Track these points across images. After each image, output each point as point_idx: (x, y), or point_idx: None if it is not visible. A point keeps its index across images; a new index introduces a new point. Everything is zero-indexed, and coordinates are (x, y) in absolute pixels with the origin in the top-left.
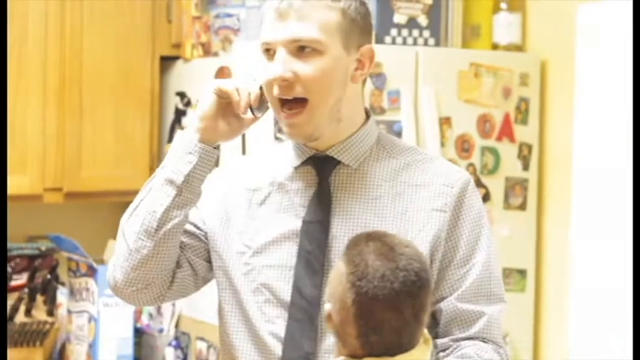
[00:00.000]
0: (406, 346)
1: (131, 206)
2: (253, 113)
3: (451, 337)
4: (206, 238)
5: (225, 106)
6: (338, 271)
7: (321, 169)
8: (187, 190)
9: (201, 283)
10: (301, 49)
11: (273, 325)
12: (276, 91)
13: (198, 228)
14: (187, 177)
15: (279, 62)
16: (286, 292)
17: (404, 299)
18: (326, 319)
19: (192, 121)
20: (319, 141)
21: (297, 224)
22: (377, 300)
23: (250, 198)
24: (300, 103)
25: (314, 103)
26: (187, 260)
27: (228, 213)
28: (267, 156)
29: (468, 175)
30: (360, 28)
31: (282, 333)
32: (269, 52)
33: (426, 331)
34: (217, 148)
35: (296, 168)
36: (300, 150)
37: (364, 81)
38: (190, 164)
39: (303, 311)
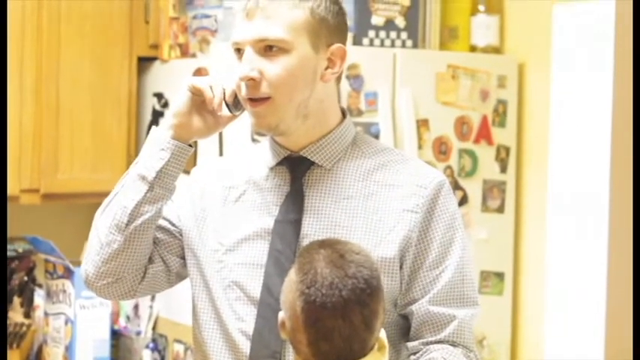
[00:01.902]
0: (358, 354)
1: (105, 201)
2: (230, 111)
3: (421, 340)
4: (180, 235)
5: (200, 103)
6: (289, 278)
7: (295, 169)
8: (159, 186)
9: (175, 279)
10: (268, 48)
11: (243, 322)
12: (244, 90)
13: (172, 224)
14: (159, 173)
15: (246, 62)
16: (257, 291)
17: (352, 307)
18: (280, 327)
19: (166, 117)
20: (292, 140)
21: (269, 223)
22: (325, 308)
23: (226, 195)
24: (265, 100)
25: (278, 101)
26: (160, 256)
27: (205, 210)
28: (245, 156)
29: (443, 177)
30: (330, 27)
31: (251, 331)
32: (239, 51)
33: (382, 336)
34: (192, 145)
35: (271, 169)
36: (276, 151)
37: (338, 81)
38: (162, 160)
39: (272, 310)
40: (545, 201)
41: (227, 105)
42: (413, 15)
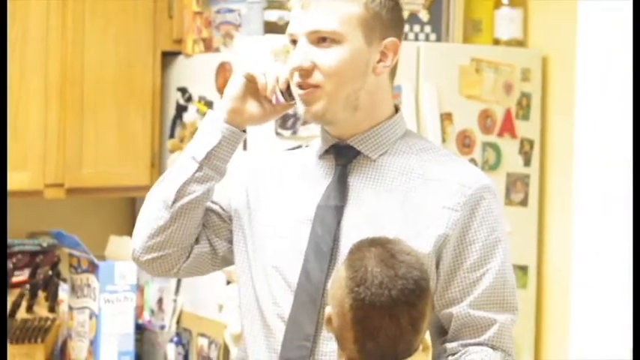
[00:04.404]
0: (403, 354)
1: (160, 178)
2: (285, 99)
3: (461, 341)
4: (230, 220)
5: (255, 89)
6: (339, 275)
7: (341, 157)
8: (207, 167)
9: (221, 263)
10: (322, 40)
11: (279, 307)
12: (296, 78)
13: (223, 209)
14: (208, 154)
15: (299, 52)
16: (295, 276)
17: (401, 307)
18: (326, 322)
19: (222, 100)
20: (341, 129)
21: (313, 209)
22: (374, 307)
23: (277, 183)
24: (315, 88)
25: (328, 90)
26: (207, 238)
27: (256, 196)
28: (301, 146)
29: (489, 181)
30: (384, 22)
31: (287, 315)
32: (294, 42)
33: (427, 337)
34: (245, 131)
35: (320, 157)
36: (325, 139)
37: (392, 75)
38: (213, 143)
39: (308, 294)
40: (568, 194)
41: (281, 92)
42: (436, 8)
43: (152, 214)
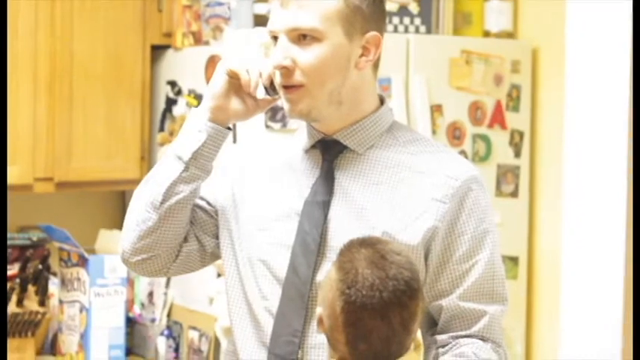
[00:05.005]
0: (395, 355)
1: (144, 179)
2: (269, 93)
3: (451, 334)
4: (216, 215)
5: (238, 86)
6: (329, 276)
7: (327, 152)
8: (194, 166)
9: (210, 258)
10: (302, 37)
11: (267, 301)
12: (278, 77)
13: (209, 204)
14: (194, 154)
15: (279, 50)
16: (282, 270)
17: (392, 309)
18: (317, 323)
19: (204, 99)
20: (325, 124)
21: (300, 204)
22: (365, 309)
23: (263, 176)
24: (298, 88)
25: (311, 88)
26: (195, 235)
27: (242, 191)
28: (286, 141)
29: (476, 172)
30: (365, 16)
31: (275, 309)
32: (275, 38)
33: (419, 336)
34: (230, 128)
35: (306, 151)
36: (311, 134)
37: (375, 67)
38: (198, 142)
39: (295, 289)
40: (558, 185)
41: (265, 88)
42: (426, 1)
43: (140, 215)
